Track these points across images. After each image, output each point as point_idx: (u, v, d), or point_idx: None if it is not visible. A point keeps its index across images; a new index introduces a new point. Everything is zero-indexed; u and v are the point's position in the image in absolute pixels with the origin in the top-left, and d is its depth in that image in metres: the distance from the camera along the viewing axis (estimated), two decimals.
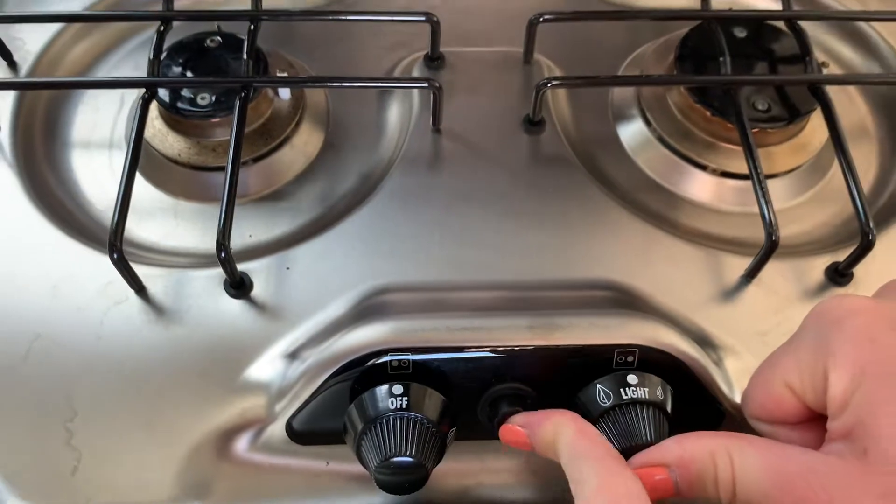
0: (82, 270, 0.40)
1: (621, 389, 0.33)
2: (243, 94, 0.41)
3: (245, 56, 0.43)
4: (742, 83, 0.43)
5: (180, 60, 0.44)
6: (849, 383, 0.27)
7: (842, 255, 0.41)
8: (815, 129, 0.45)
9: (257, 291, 0.40)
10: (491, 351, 0.35)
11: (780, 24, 0.47)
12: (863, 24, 0.51)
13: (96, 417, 0.36)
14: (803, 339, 0.30)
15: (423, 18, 0.46)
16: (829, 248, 0.42)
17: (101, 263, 0.39)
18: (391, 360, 0.34)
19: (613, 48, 0.51)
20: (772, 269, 0.40)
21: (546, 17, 0.46)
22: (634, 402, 0.33)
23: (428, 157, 0.44)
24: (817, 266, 0.41)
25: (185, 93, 0.43)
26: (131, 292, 0.39)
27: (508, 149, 0.45)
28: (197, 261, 0.42)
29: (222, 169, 0.43)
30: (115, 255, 0.37)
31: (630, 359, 0.35)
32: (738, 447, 0.28)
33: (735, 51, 0.45)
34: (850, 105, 0.50)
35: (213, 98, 0.43)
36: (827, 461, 0.27)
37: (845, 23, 0.51)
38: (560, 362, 0.35)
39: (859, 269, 0.41)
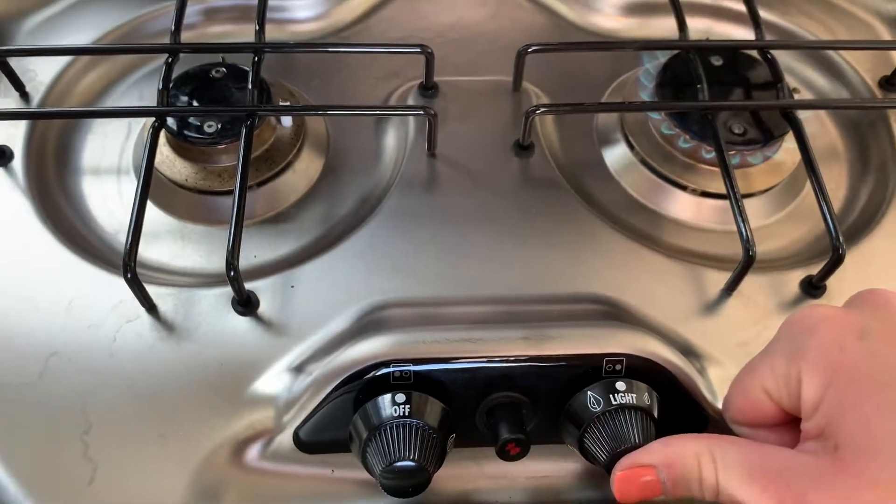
0: (95, 290, 0.42)
1: (610, 395, 0.36)
2: (249, 123, 0.44)
3: (250, 86, 0.45)
4: (719, 108, 0.45)
5: (187, 90, 0.47)
6: (820, 387, 0.29)
7: (815, 269, 0.44)
8: (788, 151, 0.48)
9: (264, 309, 0.42)
10: (487, 361, 0.37)
11: (754, 53, 0.50)
12: (831, 53, 0.54)
13: (111, 430, 0.38)
14: (777, 347, 0.32)
15: (417, 50, 0.48)
16: (804, 263, 0.45)
17: (113, 284, 0.42)
18: (393, 371, 0.36)
19: (598, 76, 0.54)
20: (750, 282, 0.43)
21: (533, 48, 0.49)
22: (623, 408, 0.35)
23: (423, 180, 0.47)
24: (792, 279, 0.44)
25: (193, 121, 0.45)
26: (143, 310, 0.41)
27: (500, 172, 0.47)
28: (205, 280, 0.44)
29: (228, 193, 0.46)
30: (129, 275, 0.39)
31: (618, 367, 0.37)
32: (719, 447, 0.31)
33: (712, 78, 0.48)
34: (822, 128, 0.53)
35: (220, 126, 0.46)
36: (802, 459, 0.29)
37: (815, 51, 0.54)
38: (553, 371, 0.37)
39: (832, 282, 0.43)
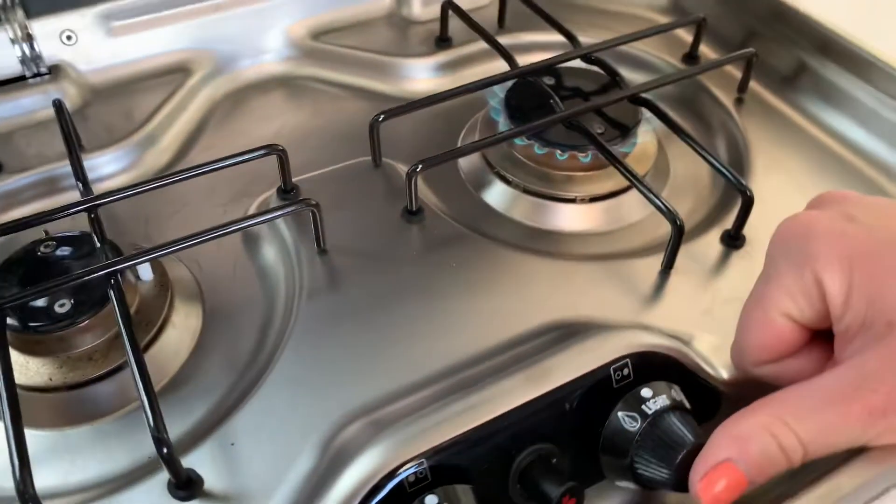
0: None
1: (642, 407, 0.32)
2: (113, 281, 0.37)
3: (99, 244, 0.38)
4: (581, 112, 0.46)
5: (17, 278, 0.38)
6: (844, 277, 0.28)
7: (726, 224, 0.45)
8: (646, 133, 0.49)
9: (210, 484, 0.34)
10: (500, 419, 0.32)
11: (578, 64, 0.52)
12: (636, 51, 0.58)
13: None
14: (779, 267, 0.30)
15: (264, 152, 0.44)
16: (712, 223, 0.46)
17: None
18: (406, 477, 0.31)
19: (444, 131, 0.53)
20: (680, 256, 0.43)
21: (382, 116, 0.47)
22: (661, 413, 0.32)
23: (326, 280, 0.42)
24: (712, 239, 0.45)
25: (39, 304, 0.37)
26: None
27: (400, 243, 0.44)
28: (118, 484, 0.35)
29: (108, 376, 0.38)
30: None
31: (626, 371, 0.34)
32: (782, 407, 0.28)
33: (557, 94, 0.48)
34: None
35: (72, 302, 0.38)
36: (859, 362, 0.27)
37: (623, 53, 0.57)
38: (566, 401, 0.33)
39: (748, 232, 0.44)
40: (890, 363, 0.26)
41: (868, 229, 0.28)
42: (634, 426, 0.32)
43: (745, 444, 0.27)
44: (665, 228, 0.47)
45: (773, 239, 0.31)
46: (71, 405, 0.38)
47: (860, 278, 0.27)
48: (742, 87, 0.54)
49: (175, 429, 0.37)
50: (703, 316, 0.40)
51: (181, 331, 0.41)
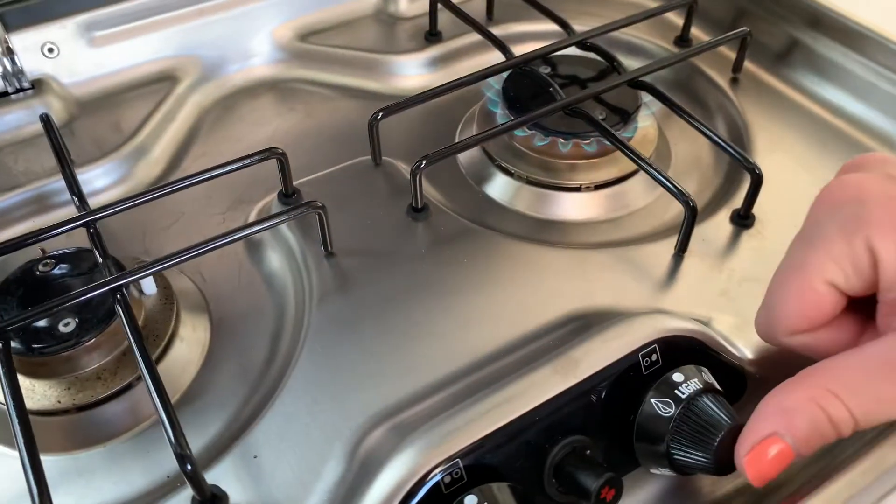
0: None
1: (675, 392, 0.32)
2: (119, 296, 0.35)
3: (101, 259, 0.37)
4: (582, 99, 0.45)
5: (16, 299, 0.37)
6: None
7: (735, 203, 0.44)
8: (646, 118, 0.49)
9: (236, 499, 0.33)
10: (532, 413, 0.31)
11: (574, 51, 0.51)
12: (628, 36, 0.57)
13: None
14: (825, 232, 0.29)
15: (265, 156, 0.43)
16: (720, 203, 0.45)
17: None
18: (442, 478, 0.30)
19: (442, 126, 0.52)
20: (692, 238, 0.42)
21: (381, 113, 0.46)
22: (695, 396, 0.31)
23: (336, 284, 0.41)
24: (722, 220, 0.44)
25: (42, 325, 0.36)
26: None
27: (408, 241, 0.43)
28: None
29: (118, 395, 0.37)
30: None
31: (654, 357, 0.33)
32: (829, 378, 0.27)
33: (556, 82, 0.48)
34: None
35: (77, 321, 0.37)
36: None
37: (616, 38, 0.57)
38: (597, 391, 0.32)
39: (757, 211, 0.44)
40: None
41: None
42: (669, 412, 0.31)
43: (792, 418, 0.27)
44: (673, 212, 0.47)
45: (819, 202, 0.30)
46: (82, 427, 0.37)
47: None
48: (737, 66, 0.54)
49: (194, 444, 0.35)
50: (720, 297, 0.40)
51: (190, 344, 0.40)
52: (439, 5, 0.56)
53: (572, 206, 0.47)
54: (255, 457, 0.34)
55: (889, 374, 0.26)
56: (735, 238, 0.43)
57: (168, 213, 0.47)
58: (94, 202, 0.49)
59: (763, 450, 0.27)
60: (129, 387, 0.38)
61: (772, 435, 0.27)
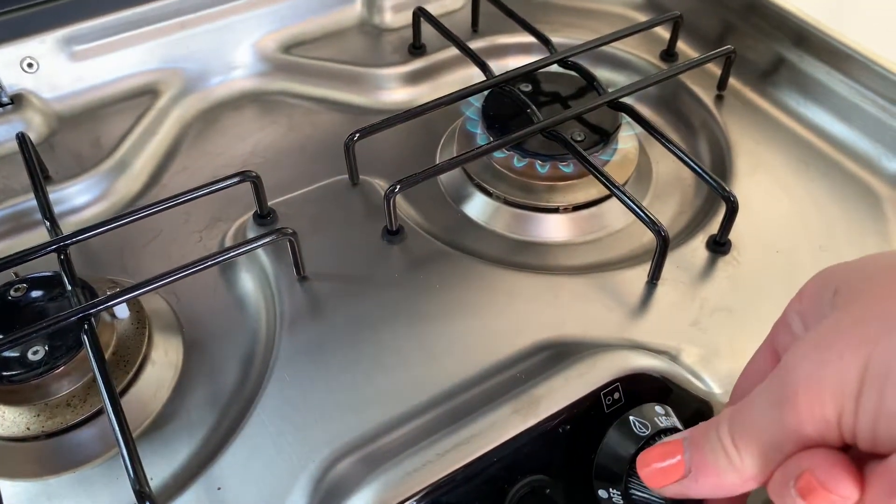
0: None
1: (635, 431, 0.32)
2: (87, 326, 0.36)
3: (70, 286, 0.37)
4: (559, 122, 0.45)
5: None
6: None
7: (711, 229, 0.44)
8: (626, 139, 0.49)
9: None
10: (491, 454, 0.31)
11: (556, 69, 0.51)
12: (614, 49, 0.57)
13: None
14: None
15: (238, 179, 0.43)
16: (696, 229, 0.45)
17: None
18: None
19: (421, 145, 0.52)
20: (666, 264, 0.42)
21: (357, 135, 0.46)
22: (654, 436, 0.31)
23: (307, 308, 0.41)
24: (698, 245, 0.44)
25: (10, 354, 0.36)
26: None
27: (381, 266, 0.43)
28: None
29: (87, 422, 0.37)
30: None
31: (616, 395, 0.33)
32: (731, 410, 0.25)
33: (533, 101, 0.48)
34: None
35: (47, 348, 0.37)
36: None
37: (601, 53, 0.56)
38: (557, 432, 0.33)
39: (734, 237, 0.44)
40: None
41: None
42: (628, 451, 0.31)
43: (696, 435, 0.25)
44: (650, 234, 0.46)
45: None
46: (51, 453, 0.37)
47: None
48: (721, 84, 0.54)
49: (159, 472, 0.36)
50: (690, 327, 0.40)
51: (161, 368, 0.40)
52: (422, 19, 0.56)
53: (550, 228, 0.47)
54: (219, 488, 0.34)
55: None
56: (710, 265, 0.43)
57: (146, 231, 0.47)
58: (73, 219, 0.49)
59: (662, 452, 0.26)
60: (99, 412, 0.38)
61: (678, 442, 0.26)
